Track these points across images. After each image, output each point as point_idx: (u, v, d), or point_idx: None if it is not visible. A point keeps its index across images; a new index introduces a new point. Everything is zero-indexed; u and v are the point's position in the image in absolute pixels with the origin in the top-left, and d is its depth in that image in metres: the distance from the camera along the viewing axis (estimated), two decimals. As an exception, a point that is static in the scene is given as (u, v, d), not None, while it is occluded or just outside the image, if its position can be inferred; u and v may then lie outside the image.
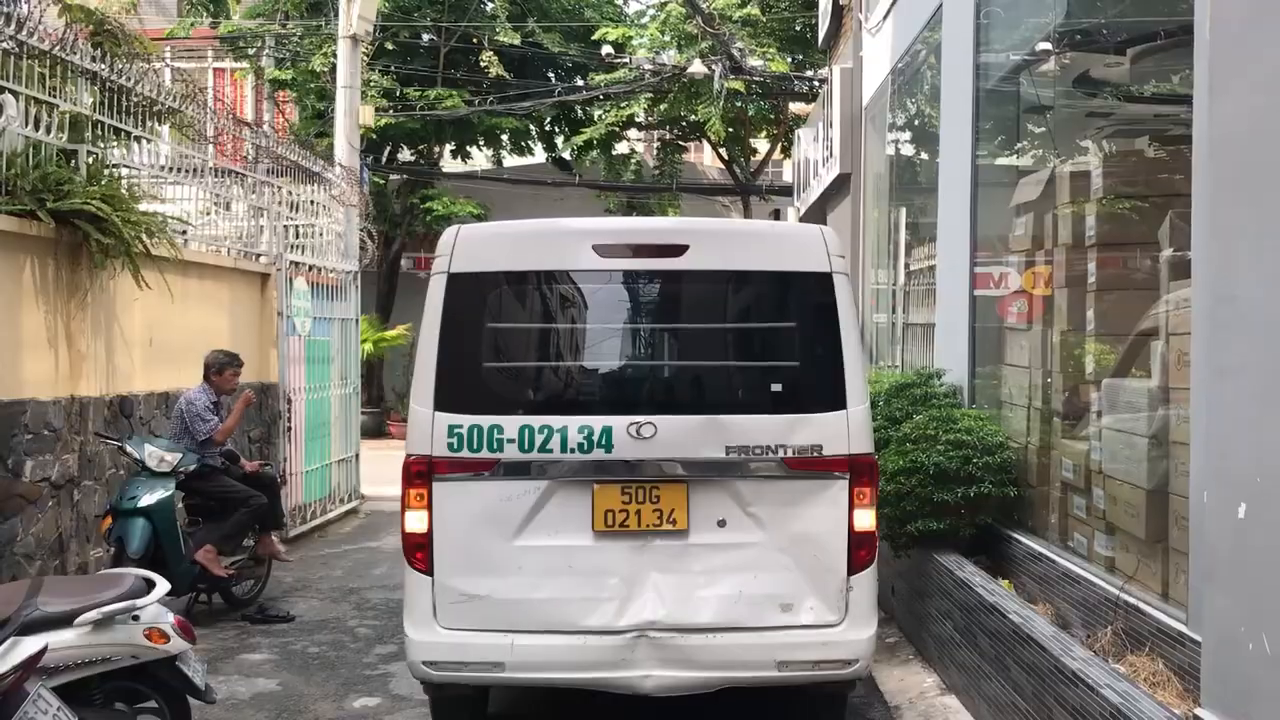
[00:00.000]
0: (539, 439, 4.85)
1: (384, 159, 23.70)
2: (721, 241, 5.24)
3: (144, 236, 7.73)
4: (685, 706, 5.19)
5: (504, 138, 24.37)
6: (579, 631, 4.83)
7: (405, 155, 24.70)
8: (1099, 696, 3.83)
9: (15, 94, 7.03)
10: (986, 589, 5.47)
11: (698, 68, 18.71)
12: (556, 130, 25.57)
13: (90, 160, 7.72)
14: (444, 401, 4.91)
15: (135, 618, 4.43)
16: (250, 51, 23.06)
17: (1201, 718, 3.21)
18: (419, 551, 4.91)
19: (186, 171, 9.52)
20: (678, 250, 5.00)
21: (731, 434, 4.84)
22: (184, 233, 9.21)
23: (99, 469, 7.84)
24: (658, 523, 4.85)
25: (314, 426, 11.77)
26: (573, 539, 4.88)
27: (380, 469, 12.75)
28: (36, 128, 7.11)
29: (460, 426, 4.87)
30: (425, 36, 23.34)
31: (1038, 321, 6.51)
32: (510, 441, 4.85)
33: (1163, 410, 4.69)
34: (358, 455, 13.08)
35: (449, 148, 24.78)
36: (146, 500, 7.11)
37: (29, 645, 3.74)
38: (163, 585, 4.64)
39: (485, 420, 4.87)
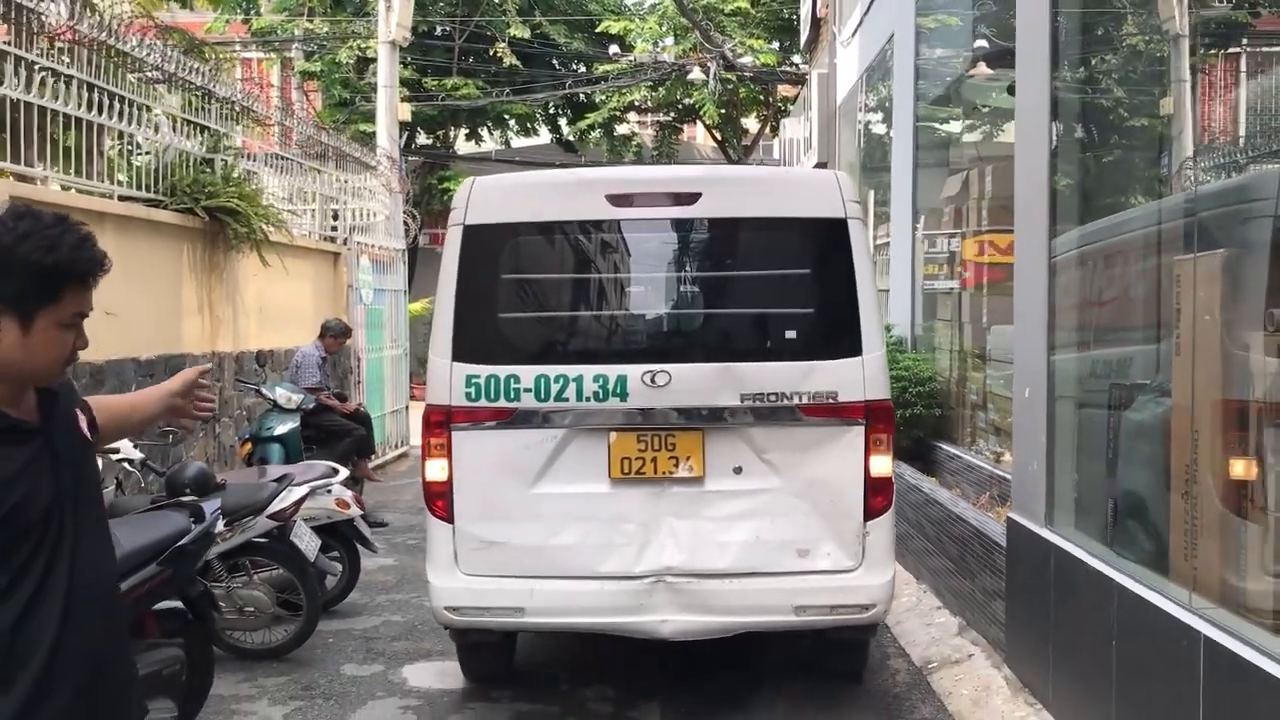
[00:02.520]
0: (555, 388, 4.82)
1: (403, 144, 25.70)
2: (735, 188, 5.20)
3: (265, 225, 9.84)
4: (710, 653, 5.41)
5: (511, 122, 26.44)
6: (597, 577, 4.82)
7: (422, 139, 26.73)
8: (967, 524, 6.02)
9: (170, 115, 9.14)
10: (912, 479, 7.65)
11: (697, 75, 20.67)
12: (560, 114, 27.65)
13: (222, 165, 9.83)
14: (461, 352, 4.91)
15: (329, 490, 6.59)
16: (277, 45, 24.98)
17: (1011, 518, 5.36)
18: (439, 500, 4.92)
19: (273, 167, 11.62)
20: (691, 198, 4.97)
21: (746, 381, 4.81)
22: (284, 221, 11.32)
23: (232, 409, 10.00)
24: (674, 470, 4.83)
25: (373, 381, 13.90)
26: (590, 486, 4.85)
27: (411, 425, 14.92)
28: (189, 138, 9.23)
29: (478, 377, 4.86)
30: (441, 29, 25.28)
31: (957, 285, 8.68)
32: (527, 391, 4.83)
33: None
34: (406, 407, 15.24)
35: (463, 132, 26.85)
36: (280, 430, 9.24)
37: (296, 493, 5.90)
38: (343, 472, 6.81)
39: (502, 370, 4.86)
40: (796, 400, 4.82)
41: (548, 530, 4.87)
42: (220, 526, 5.13)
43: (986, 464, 7.35)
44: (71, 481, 2.23)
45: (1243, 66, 6.47)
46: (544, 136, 28.01)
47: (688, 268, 5.27)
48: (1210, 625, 3.39)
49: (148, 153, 9.06)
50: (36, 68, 7.27)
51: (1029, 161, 5.31)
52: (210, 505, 4.77)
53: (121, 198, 8.43)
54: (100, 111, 7.89)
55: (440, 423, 4.91)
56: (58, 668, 2.14)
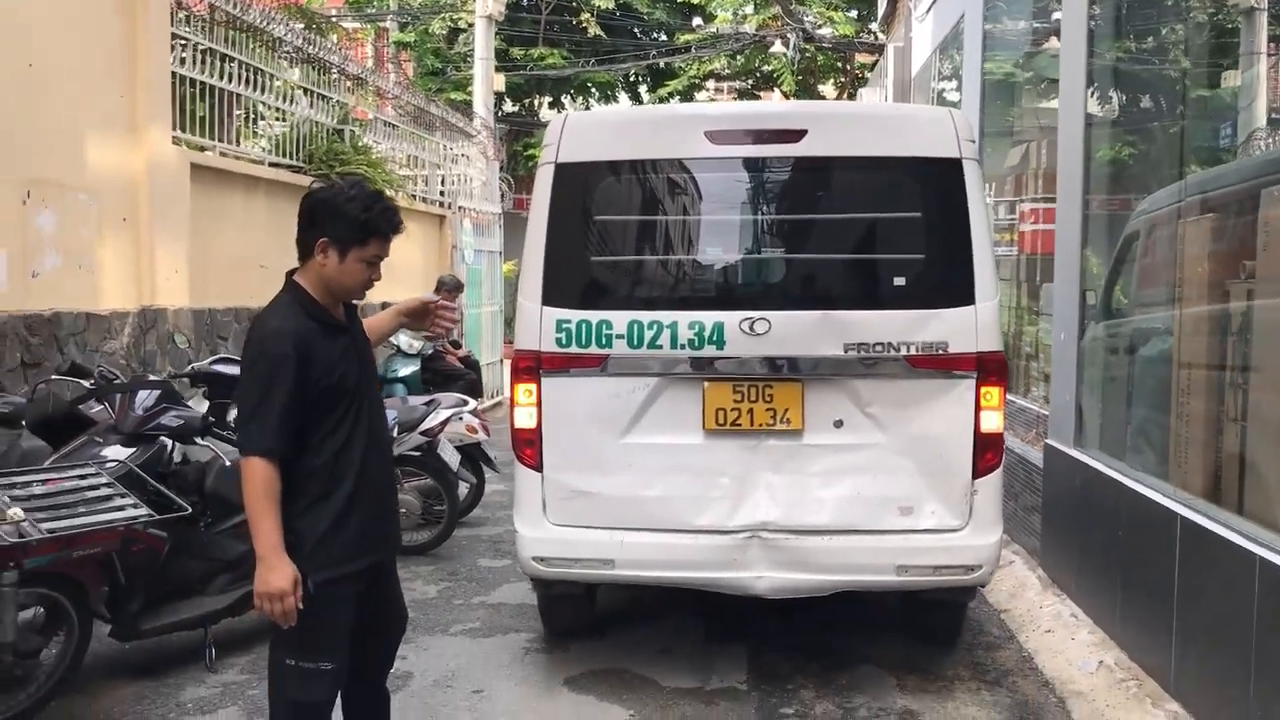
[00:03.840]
0: (648, 335, 4.62)
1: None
2: (842, 125, 4.87)
3: (391, 191, 10.97)
4: (784, 612, 5.45)
5: (593, 90, 27.43)
6: (690, 530, 4.64)
7: (508, 107, 27.82)
8: (1013, 453, 6.95)
9: (305, 90, 10.29)
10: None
11: (778, 49, 21.43)
12: (640, 82, 28.54)
13: (350, 135, 10.97)
14: (552, 296, 4.72)
15: (460, 418, 7.69)
16: (374, 16, 26.18)
17: (1048, 444, 6.28)
18: (528, 447, 4.76)
19: (384, 135, 12.76)
20: (796, 135, 4.68)
21: (850, 330, 4.56)
22: (403, 186, 12.46)
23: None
24: (771, 422, 4.60)
25: (472, 335, 15.07)
26: (683, 437, 4.67)
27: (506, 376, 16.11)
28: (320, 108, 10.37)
29: (568, 322, 4.68)
30: (528, 0, 26.27)
31: (1015, 248, 9.51)
32: (619, 337, 4.64)
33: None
34: (501, 360, 16.42)
35: (546, 100, 27.90)
36: (403, 372, 10.40)
37: (443, 414, 7.01)
38: (472, 402, 7.92)
39: (594, 315, 4.67)
40: (904, 351, 4.55)
41: (639, 481, 4.68)
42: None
43: (1036, 406, 8.22)
44: (364, 365, 3.33)
45: None
46: (624, 104, 28.93)
47: (790, 209, 4.97)
48: (1185, 508, 4.32)
49: (284, 124, 10.22)
50: (199, 49, 8.40)
51: (1069, 134, 6.17)
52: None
53: (271, 164, 9.61)
54: (249, 86, 9.05)
55: (529, 369, 4.74)
56: (361, 485, 3.23)
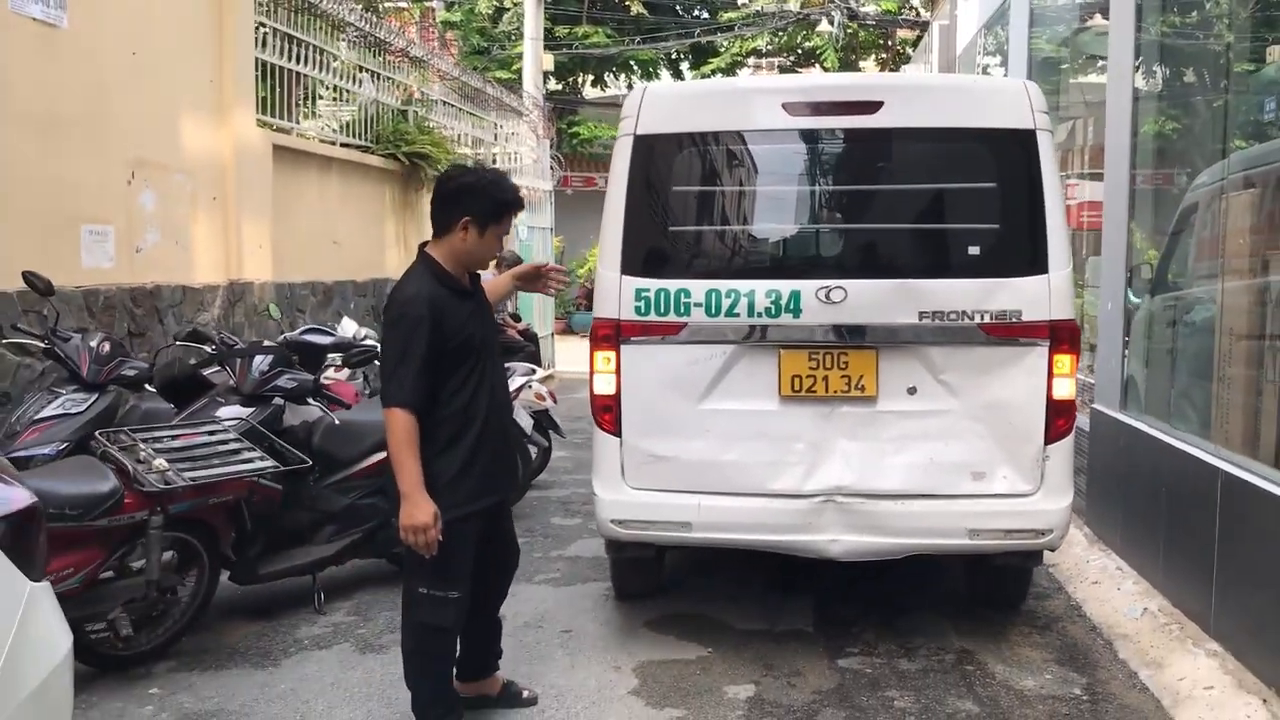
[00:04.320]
0: (726, 303, 4.73)
1: (538, 90, 27.18)
2: (918, 96, 4.98)
3: (451, 169, 11.39)
4: (850, 579, 5.64)
5: (636, 68, 27.71)
6: (766, 495, 4.74)
7: (552, 85, 28.16)
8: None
9: (373, 73, 10.70)
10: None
11: (824, 27, 21.63)
12: (683, 59, 28.80)
13: (414, 115, 11.38)
14: (631, 265, 4.82)
15: (529, 386, 8.10)
16: (420, -4, 26.54)
17: (1094, 407, 6.60)
18: (607, 414, 4.88)
19: (442, 113, 13.16)
20: (872, 106, 4.76)
21: (925, 299, 4.64)
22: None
23: (421, 327, 11.64)
24: (846, 389, 4.70)
25: (524, 310, 15.51)
26: (759, 404, 4.77)
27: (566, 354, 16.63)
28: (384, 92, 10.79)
29: (647, 290, 4.78)
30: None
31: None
32: (697, 305, 4.75)
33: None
34: (552, 334, 16.85)
35: (589, 78, 28.23)
36: (466, 344, 10.84)
37: (517, 380, 7.43)
38: (541, 371, 8.33)
39: (672, 284, 4.77)
40: (978, 319, 4.62)
41: (716, 446, 4.79)
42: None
43: (1081, 375, 8.54)
44: (487, 327, 3.74)
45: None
46: (667, 82, 29.21)
47: (866, 180, 5.04)
48: (1227, 464, 4.66)
49: (351, 106, 10.65)
50: (273, 31, 8.81)
51: (1116, 109, 6.46)
52: None
53: (342, 144, 10.04)
54: (317, 68, 9.46)
55: (608, 336, 4.83)
56: (486, 432, 3.65)
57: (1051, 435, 4.68)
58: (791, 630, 5.21)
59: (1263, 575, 4.25)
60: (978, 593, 5.58)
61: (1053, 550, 5.16)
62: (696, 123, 4.97)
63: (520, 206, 3.76)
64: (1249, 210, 5.19)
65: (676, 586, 5.81)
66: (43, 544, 2.71)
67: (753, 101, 5.02)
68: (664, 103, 4.99)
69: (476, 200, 3.64)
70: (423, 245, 3.75)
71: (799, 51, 27.08)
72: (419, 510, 3.44)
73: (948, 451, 4.69)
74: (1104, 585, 5.69)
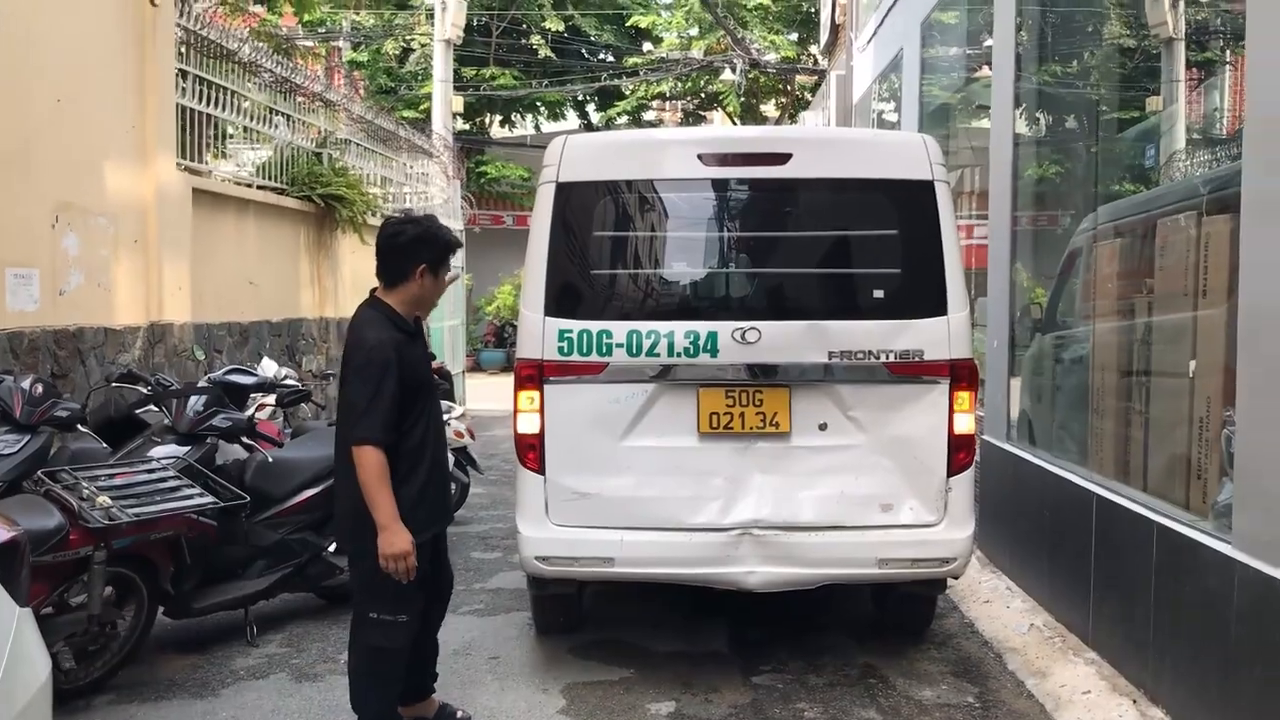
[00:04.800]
0: (646, 343, 4.89)
1: (444, 130, 27.41)
2: (825, 149, 5.26)
3: (366, 210, 11.58)
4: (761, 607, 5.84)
5: (542, 109, 28.15)
6: (685, 529, 4.90)
7: (459, 125, 28.42)
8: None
9: (286, 116, 10.87)
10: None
11: (728, 75, 22.34)
12: (589, 101, 29.33)
13: (329, 158, 11.56)
14: (554, 307, 4.97)
15: (448, 423, 8.32)
16: (327, 37, 26.66)
17: (984, 439, 7.09)
18: (531, 452, 4.99)
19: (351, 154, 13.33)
20: (782, 158, 5.01)
21: (834, 339, 4.87)
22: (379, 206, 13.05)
23: (337, 365, 11.76)
24: (761, 425, 4.90)
25: (438, 347, 15.70)
26: (679, 440, 4.94)
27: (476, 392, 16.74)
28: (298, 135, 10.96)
29: (570, 331, 4.93)
30: (478, 21, 26.91)
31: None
32: (619, 346, 4.91)
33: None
34: (463, 372, 17.03)
35: (498, 119, 28.56)
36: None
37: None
38: (459, 409, 8.57)
39: (595, 325, 4.93)
40: (883, 358, 4.86)
41: (637, 482, 4.94)
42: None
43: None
44: (429, 366, 4.02)
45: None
46: (572, 122, 29.67)
47: (778, 226, 5.27)
48: (1101, 487, 5.14)
49: (265, 148, 10.78)
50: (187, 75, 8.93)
51: (999, 154, 6.99)
52: None
53: (259, 186, 10.18)
54: (233, 111, 9.61)
55: (531, 376, 4.96)
56: (434, 465, 3.93)
57: (953, 468, 4.94)
58: (708, 651, 5.54)
59: (1131, 588, 4.71)
60: (887, 620, 5.85)
61: (956, 579, 5.39)
62: (616, 171, 5.18)
63: (460, 245, 4.08)
64: (1115, 258, 5.73)
65: (597, 615, 6.09)
66: (26, 574, 2.90)
67: (670, 152, 5.30)
68: (585, 152, 5.21)
69: (428, 248, 3.95)
70: (373, 291, 4.03)
71: (703, 95, 27.82)
72: (398, 539, 3.72)
73: (857, 485, 4.92)
74: (995, 604, 6.14)
